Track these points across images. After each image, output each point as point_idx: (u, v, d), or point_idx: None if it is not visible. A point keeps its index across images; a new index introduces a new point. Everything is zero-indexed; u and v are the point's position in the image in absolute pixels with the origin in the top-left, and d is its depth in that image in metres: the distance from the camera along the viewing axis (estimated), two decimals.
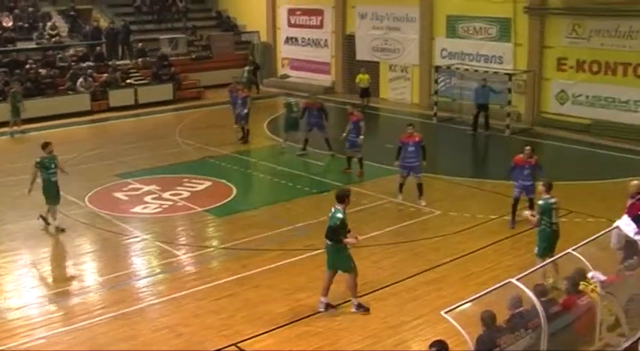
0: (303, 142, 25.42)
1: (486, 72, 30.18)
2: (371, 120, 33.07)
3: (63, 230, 18.15)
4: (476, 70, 30.62)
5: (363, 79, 34.24)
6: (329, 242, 13.43)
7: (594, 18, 27.56)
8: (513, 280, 9.97)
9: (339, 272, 13.59)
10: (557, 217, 14.13)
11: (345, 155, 23.18)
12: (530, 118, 29.60)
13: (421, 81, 34.31)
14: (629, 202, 14.37)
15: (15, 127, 29.62)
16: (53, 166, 18.33)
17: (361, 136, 22.46)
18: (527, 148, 17.95)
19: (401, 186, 19.98)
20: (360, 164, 22.77)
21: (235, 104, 27.73)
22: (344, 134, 23.01)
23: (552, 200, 14.02)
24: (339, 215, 13.31)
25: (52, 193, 18.33)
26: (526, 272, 10.45)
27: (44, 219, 18.37)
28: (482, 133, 28.29)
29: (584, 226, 17.42)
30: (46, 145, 18.53)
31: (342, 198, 13.60)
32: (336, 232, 13.29)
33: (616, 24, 26.95)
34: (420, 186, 19.76)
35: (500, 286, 10.11)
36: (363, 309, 13.58)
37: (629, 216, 13.56)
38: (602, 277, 11.06)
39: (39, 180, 18.34)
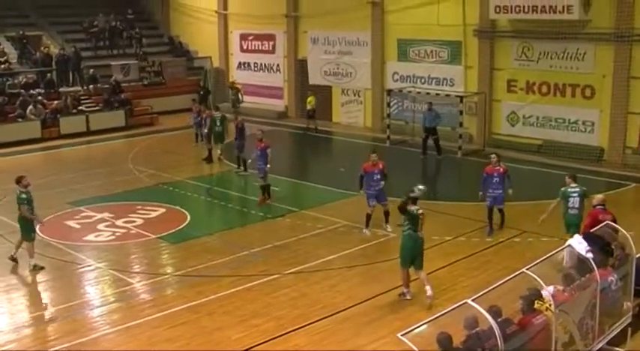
0: (241, 161, 26.17)
1: (437, 94, 30.49)
2: (324, 143, 33.30)
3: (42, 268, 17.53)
4: (428, 93, 30.90)
5: (310, 101, 34.72)
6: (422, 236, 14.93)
7: (542, 41, 28.04)
8: (469, 301, 10.00)
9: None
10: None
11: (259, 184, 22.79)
12: (481, 140, 29.92)
13: (373, 104, 34.54)
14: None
15: None
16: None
17: (268, 165, 22.27)
18: (493, 156, 19.11)
19: (368, 217, 19.35)
20: (267, 192, 22.56)
21: (201, 125, 29.07)
22: (249, 161, 23.24)
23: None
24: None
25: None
26: (481, 292, 10.49)
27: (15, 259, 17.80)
28: (434, 156, 28.47)
29: (537, 246, 17.66)
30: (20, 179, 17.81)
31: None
32: None
33: (563, 46, 27.46)
34: (386, 213, 19.47)
35: (456, 307, 10.13)
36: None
37: (587, 225, 14.45)
38: (552, 290, 11.18)
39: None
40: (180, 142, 31.31)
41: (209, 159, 28.20)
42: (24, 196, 17.57)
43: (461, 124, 29.06)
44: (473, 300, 10.03)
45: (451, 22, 30.67)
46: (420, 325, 9.70)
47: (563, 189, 16.76)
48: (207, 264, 17.32)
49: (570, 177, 16.87)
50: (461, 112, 29.09)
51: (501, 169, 18.86)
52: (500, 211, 19.23)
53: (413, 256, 14.87)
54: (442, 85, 31.59)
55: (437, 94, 30.64)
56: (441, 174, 27.06)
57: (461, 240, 18.58)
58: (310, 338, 13.45)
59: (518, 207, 20.60)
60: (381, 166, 19.36)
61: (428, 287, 14.84)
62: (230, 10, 41.61)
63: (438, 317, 9.93)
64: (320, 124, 35.26)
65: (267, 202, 22.44)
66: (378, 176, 19.20)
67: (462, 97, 29.36)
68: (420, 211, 14.87)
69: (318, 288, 15.78)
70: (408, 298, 14.95)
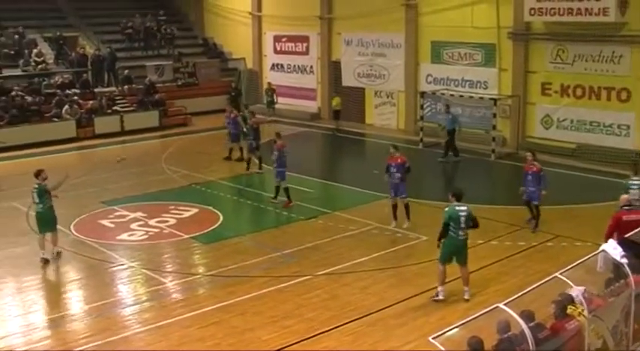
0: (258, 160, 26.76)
1: (471, 97, 30.40)
2: (357, 145, 33.30)
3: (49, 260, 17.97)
4: (461, 96, 30.81)
5: (335, 102, 35.31)
6: (465, 236, 15.02)
7: (577, 43, 27.79)
8: (501, 305, 9.93)
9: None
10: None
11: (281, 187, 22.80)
12: (515, 143, 29.72)
13: (407, 107, 34.46)
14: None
15: None
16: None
17: (279, 168, 22.49)
18: (528, 154, 19.87)
19: (394, 209, 20.00)
20: (287, 193, 22.59)
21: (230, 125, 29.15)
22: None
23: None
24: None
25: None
26: (513, 297, 10.41)
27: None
28: (466, 159, 28.34)
29: (570, 250, 17.49)
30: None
31: (462, 196, 15.23)
32: None
33: (599, 49, 27.18)
34: (406, 207, 19.89)
35: (487, 311, 10.07)
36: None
37: (611, 226, 14.44)
38: (582, 290, 11.08)
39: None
40: (213, 143, 31.43)
41: (229, 158, 28.71)
42: (42, 187, 17.92)
43: (494, 127, 28.89)
44: (505, 304, 9.97)
45: (485, 24, 30.51)
46: (452, 329, 9.65)
47: (624, 181, 17.99)
48: (239, 264, 17.38)
49: (633, 169, 18.15)
50: (494, 115, 28.93)
51: (534, 168, 19.27)
52: (536, 207, 19.45)
53: (451, 252, 15.03)
54: (476, 87, 31.42)
55: (470, 97, 30.53)
56: (474, 177, 26.86)
57: (493, 243, 18.47)
58: (341, 340, 13.44)
59: (551, 211, 20.44)
60: (399, 160, 19.96)
61: (466, 289, 14.89)
62: (264, 11, 41.75)
63: (469, 321, 9.87)
64: (353, 126, 35.33)
65: (290, 205, 22.36)
66: (395, 170, 19.81)
67: (495, 100, 29.20)
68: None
69: (349, 290, 15.76)
70: (440, 298, 14.90)
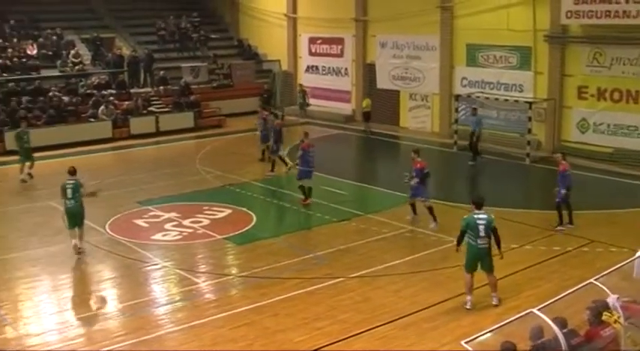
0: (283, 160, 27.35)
1: (506, 100, 30.22)
2: (390, 148, 33.25)
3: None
4: (496, 99, 30.63)
5: (366, 104, 35.41)
6: (487, 244, 14.66)
7: (615, 46, 27.49)
8: (534, 311, 9.87)
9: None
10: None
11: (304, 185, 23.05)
12: (550, 147, 29.47)
13: (441, 109, 34.33)
14: None
15: (26, 170, 26.61)
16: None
17: (304, 167, 22.75)
18: (557, 155, 20.79)
19: (412, 207, 20.78)
20: (304, 192, 22.88)
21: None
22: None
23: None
24: (493, 216, 14.92)
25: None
26: (547, 302, 10.34)
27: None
28: (502, 162, 28.20)
29: (606, 256, 17.31)
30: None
31: (483, 203, 15.03)
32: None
33: (636, 52, 26.85)
34: (429, 209, 20.21)
35: (521, 316, 10.01)
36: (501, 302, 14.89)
37: None
38: (616, 298, 10.95)
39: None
40: (247, 145, 31.52)
41: (263, 158, 28.84)
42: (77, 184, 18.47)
43: (529, 131, 28.68)
44: (538, 309, 9.90)
45: (521, 27, 30.29)
46: (484, 334, 9.62)
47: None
48: (272, 266, 17.41)
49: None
50: (529, 119, 28.71)
51: (560, 168, 19.77)
52: (557, 205, 19.81)
53: (474, 260, 14.80)
54: (511, 90, 31.19)
55: (505, 100, 30.34)
56: (508, 181, 26.70)
57: (527, 248, 18.32)
58: (372, 343, 13.42)
59: (587, 216, 20.29)
60: (418, 165, 20.40)
61: (494, 294, 14.77)
62: (299, 13, 41.85)
63: (502, 326, 9.82)
64: (387, 129, 35.28)
65: (308, 203, 22.69)
66: (413, 174, 20.28)
67: (530, 103, 28.98)
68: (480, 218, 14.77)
69: (381, 293, 15.73)
70: (468, 307, 14.73)
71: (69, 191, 18.36)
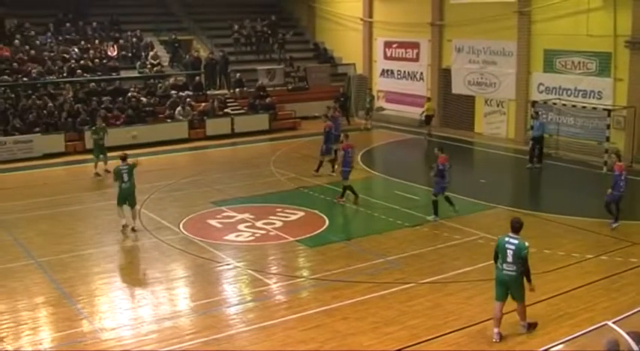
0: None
1: (584, 107, 29.69)
2: (465, 154, 32.97)
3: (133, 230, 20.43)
4: (574, 106, 30.12)
5: (428, 107, 35.58)
6: (515, 272, 13.36)
7: None
8: (610, 323, 9.68)
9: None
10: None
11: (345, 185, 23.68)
12: (629, 155, 28.81)
13: (517, 116, 33.92)
14: None
15: (103, 167, 27.70)
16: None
17: (346, 168, 23.53)
18: (613, 156, 21.70)
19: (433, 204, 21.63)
20: (344, 192, 23.63)
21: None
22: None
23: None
24: (527, 244, 13.44)
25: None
26: (624, 315, 10.15)
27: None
28: (578, 170, 27.74)
29: None
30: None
31: (520, 228, 13.63)
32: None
33: None
34: (434, 203, 21.47)
35: (595, 328, 9.83)
36: (533, 326, 13.89)
37: None
38: None
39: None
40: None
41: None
42: (131, 167, 20.78)
43: (608, 139, 28.11)
44: (614, 322, 9.71)
45: (601, 32, 29.71)
46: (557, 344, 9.49)
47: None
48: (343, 269, 17.45)
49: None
50: (608, 126, 28.14)
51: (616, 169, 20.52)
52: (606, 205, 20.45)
53: (501, 286, 13.65)
54: (589, 97, 30.62)
55: (583, 107, 29.82)
56: (584, 189, 26.24)
57: (602, 259, 17.98)
58: (442, 350, 13.33)
59: None
60: (439, 160, 21.39)
61: (522, 323, 13.84)
62: (375, 17, 41.86)
63: (575, 337, 9.67)
64: (461, 134, 35.04)
65: (341, 202, 23.44)
66: (435, 169, 21.36)
67: (609, 111, 28.41)
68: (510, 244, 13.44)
69: (452, 299, 15.63)
70: (494, 339, 13.49)
71: (124, 175, 20.52)
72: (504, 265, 13.43)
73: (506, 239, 13.47)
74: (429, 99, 36.79)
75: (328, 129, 27.58)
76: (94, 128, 28.76)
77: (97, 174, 27.46)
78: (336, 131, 28.37)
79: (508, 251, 13.35)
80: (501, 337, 13.48)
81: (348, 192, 23.46)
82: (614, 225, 20.23)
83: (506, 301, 13.52)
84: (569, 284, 16.21)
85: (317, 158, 27.71)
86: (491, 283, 16.26)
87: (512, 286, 13.50)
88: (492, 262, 17.31)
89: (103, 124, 29.09)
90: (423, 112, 35.85)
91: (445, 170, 21.26)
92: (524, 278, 13.40)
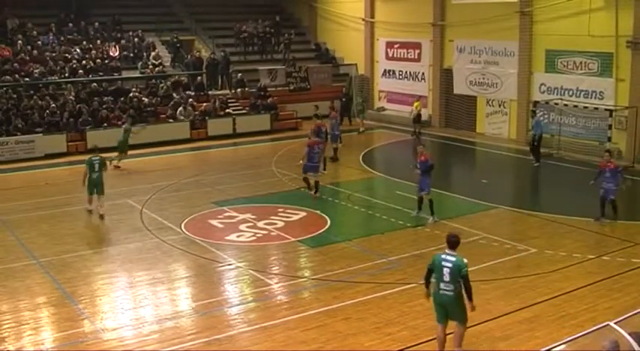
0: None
1: (585, 107, 29.69)
2: (466, 154, 32.97)
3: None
4: (575, 106, 30.11)
5: (417, 106, 36.00)
6: (452, 292, 12.30)
7: None
8: (611, 324, 9.67)
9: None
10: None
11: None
12: (631, 156, 28.81)
13: (519, 116, 33.92)
14: None
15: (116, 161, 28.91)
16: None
17: (305, 162, 24.24)
18: (606, 153, 21.81)
19: (419, 201, 21.76)
20: (311, 186, 24.25)
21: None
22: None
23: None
24: (466, 261, 12.36)
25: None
26: (625, 316, 10.13)
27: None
28: (580, 170, 27.71)
29: None
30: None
31: (457, 244, 12.64)
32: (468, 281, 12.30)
33: None
34: (430, 202, 21.28)
35: (596, 329, 9.82)
36: None
37: None
38: None
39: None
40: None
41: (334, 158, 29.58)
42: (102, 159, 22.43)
43: (609, 139, 28.09)
44: (615, 323, 9.70)
45: (602, 32, 29.69)
46: (559, 345, 9.47)
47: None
48: (345, 269, 17.44)
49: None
50: (610, 127, 28.13)
51: (612, 165, 20.87)
52: (612, 202, 20.75)
53: (440, 307, 12.60)
54: (591, 97, 30.62)
55: (585, 107, 29.81)
56: (586, 189, 26.19)
57: (604, 259, 17.95)
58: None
59: None
60: (422, 158, 21.37)
61: (456, 349, 12.65)
62: (377, 18, 41.86)
63: (577, 338, 9.65)
64: (463, 135, 35.07)
65: (315, 196, 23.94)
66: (418, 166, 21.38)
67: (611, 111, 28.40)
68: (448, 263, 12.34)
69: None
70: None
71: (96, 165, 21.98)
72: (441, 284, 12.37)
73: (443, 256, 12.46)
74: (418, 98, 37.05)
75: (317, 128, 27.84)
76: (126, 127, 29.92)
77: (117, 166, 28.79)
78: (338, 132, 28.99)
79: (444, 269, 12.29)
80: None
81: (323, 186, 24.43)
82: (601, 221, 20.80)
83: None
84: (571, 285, 16.19)
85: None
86: (492, 283, 16.36)
87: (450, 307, 12.45)
88: (491, 262, 17.43)
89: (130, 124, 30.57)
90: (412, 111, 36.04)
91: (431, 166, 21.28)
92: (466, 297, 12.33)
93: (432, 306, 12.81)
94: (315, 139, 25.15)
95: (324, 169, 27.03)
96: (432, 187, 21.53)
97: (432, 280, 12.58)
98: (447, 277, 12.26)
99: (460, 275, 12.14)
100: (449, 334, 12.65)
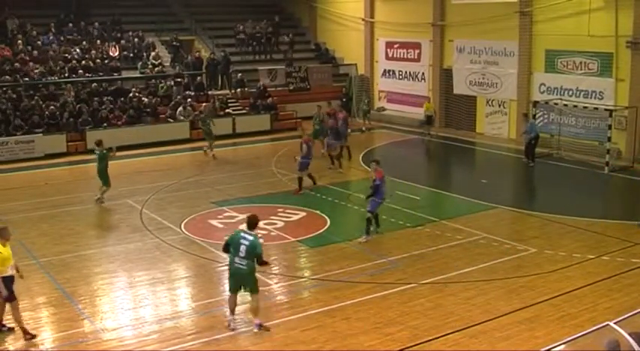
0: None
1: (585, 107, 29.68)
2: (466, 154, 32.97)
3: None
4: (575, 106, 30.11)
5: (428, 107, 35.96)
6: (246, 266, 13.80)
7: None
8: (611, 324, 9.67)
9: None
10: None
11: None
12: (630, 156, 28.81)
13: (519, 116, 33.86)
14: None
15: (207, 150, 31.51)
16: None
17: (299, 158, 24.93)
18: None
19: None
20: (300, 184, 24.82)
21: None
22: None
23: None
24: (262, 241, 14.30)
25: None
26: (626, 316, 10.12)
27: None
28: (580, 170, 27.75)
29: None
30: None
31: (256, 225, 14.18)
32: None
33: None
34: (367, 220, 19.95)
35: (597, 329, 9.82)
36: (264, 328, 14.10)
37: None
38: None
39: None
40: (321, 148, 31.63)
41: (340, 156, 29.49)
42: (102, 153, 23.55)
43: (609, 139, 28.09)
44: (615, 323, 9.70)
45: (602, 32, 29.69)
46: (559, 345, 9.47)
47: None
48: (344, 269, 17.43)
49: None
50: (609, 127, 28.12)
51: None
52: None
53: (234, 280, 14.23)
54: (591, 97, 30.61)
55: (585, 107, 29.80)
56: (586, 189, 26.22)
57: (604, 259, 17.95)
58: (443, 350, 13.33)
59: None
60: (375, 174, 20.02)
61: (256, 321, 14.20)
62: (376, 18, 41.85)
63: (577, 338, 9.65)
64: (463, 135, 35.06)
65: (299, 193, 24.42)
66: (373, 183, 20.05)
67: (611, 111, 28.39)
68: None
69: (453, 300, 15.61)
70: (231, 327, 14.16)
71: (97, 158, 23.43)
72: (236, 258, 13.86)
73: (242, 234, 13.97)
74: (429, 100, 36.91)
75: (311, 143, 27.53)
76: (201, 118, 32.45)
77: (215, 157, 31.07)
78: (344, 129, 29.39)
79: (242, 246, 13.80)
80: (233, 328, 14.14)
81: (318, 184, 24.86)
82: None
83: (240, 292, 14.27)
84: (570, 285, 16.19)
85: (318, 158, 27.71)
86: (492, 283, 16.37)
87: (244, 279, 14.00)
88: (491, 262, 17.46)
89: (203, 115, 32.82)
90: (426, 111, 36.03)
91: (381, 185, 19.77)
92: (259, 267, 14.08)
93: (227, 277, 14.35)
94: (307, 137, 25.84)
95: (340, 167, 28.07)
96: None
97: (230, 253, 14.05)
98: (242, 253, 13.78)
99: (254, 253, 13.72)
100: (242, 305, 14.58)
